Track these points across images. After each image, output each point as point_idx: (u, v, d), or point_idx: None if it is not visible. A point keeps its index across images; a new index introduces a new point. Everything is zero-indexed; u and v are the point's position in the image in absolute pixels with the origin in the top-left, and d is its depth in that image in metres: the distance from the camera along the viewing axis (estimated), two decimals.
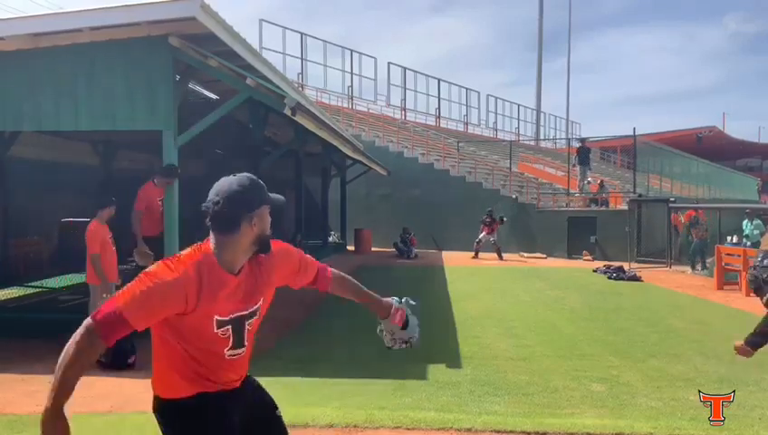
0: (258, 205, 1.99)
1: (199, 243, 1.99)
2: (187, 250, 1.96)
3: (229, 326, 1.93)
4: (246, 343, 2.04)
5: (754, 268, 3.29)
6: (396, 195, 21.39)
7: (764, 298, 3.22)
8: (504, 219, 17.97)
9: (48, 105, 7.01)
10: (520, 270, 14.72)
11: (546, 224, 19.03)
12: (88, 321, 1.74)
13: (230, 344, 1.96)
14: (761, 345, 3.34)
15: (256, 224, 1.97)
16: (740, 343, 3.17)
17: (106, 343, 1.75)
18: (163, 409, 2.00)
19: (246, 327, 2.01)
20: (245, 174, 2.03)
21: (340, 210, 19.53)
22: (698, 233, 14.59)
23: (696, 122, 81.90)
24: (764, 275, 3.19)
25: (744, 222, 15.20)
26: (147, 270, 1.86)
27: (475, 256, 17.42)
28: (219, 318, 1.90)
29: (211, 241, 1.96)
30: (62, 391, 1.72)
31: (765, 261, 3.23)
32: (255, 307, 2.03)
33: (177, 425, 2.00)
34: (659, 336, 7.14)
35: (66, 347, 1.73)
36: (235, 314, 1.94)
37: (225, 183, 1.98)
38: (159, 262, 1.91)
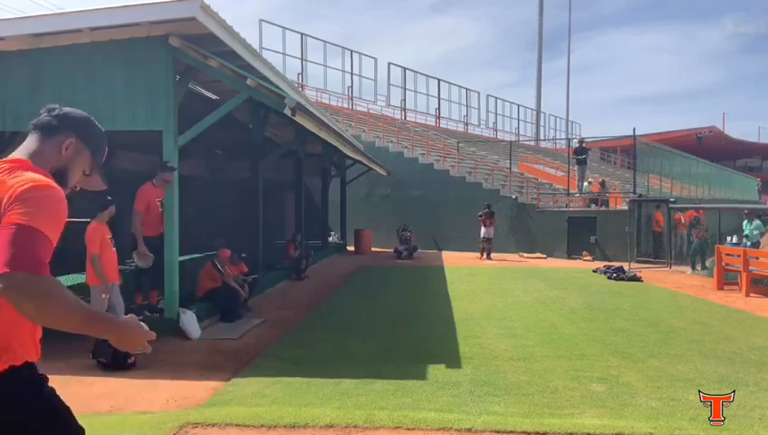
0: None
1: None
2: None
3: None
4: None
5: None
6: (396, 195, 21.40)
7: None
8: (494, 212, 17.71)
9: (48, 105, 7.01)
10: (520, 270, 14.71)
11: (546, 224, 19.02)
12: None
13: None
14: None
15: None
16: None
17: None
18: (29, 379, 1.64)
19: None
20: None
21: (340, 210, 19.54)
22: (698, 233, 14.60)
23: (696, 122, 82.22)
24: None
25: (744, 222, 15.20)
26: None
27: (482, 257, 17.24)
28: None
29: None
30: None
31: None
32: None
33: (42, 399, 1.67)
34: (659, 336, 7.14)
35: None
36: None
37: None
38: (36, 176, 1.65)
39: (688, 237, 15.52)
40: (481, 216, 17.51)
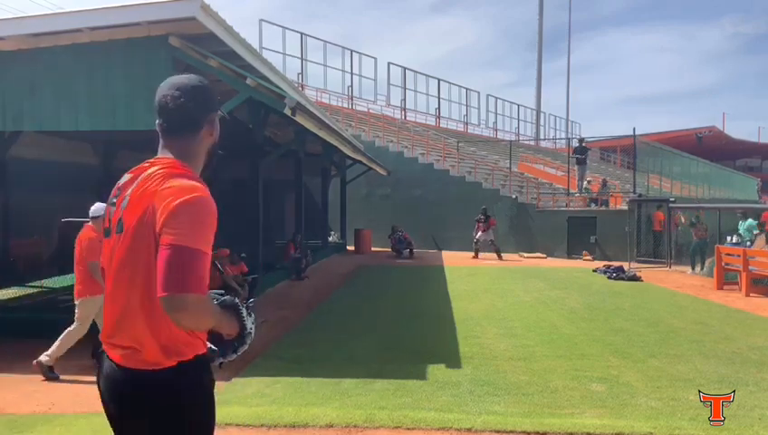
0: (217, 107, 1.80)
1: (165, 157, 1.70)
2: (171, 168, 1.65)
3: None
4: None
5: None
6: (396, 195, 21.40)
7: None
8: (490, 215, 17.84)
9: (48, 105, 7.02)
10: (520, 270, 14.71)
11: (546, 224, 19.03)
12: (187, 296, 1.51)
13: None
14: None
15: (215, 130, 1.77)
16: None
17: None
18: (190, 373, 1.66)
19: None
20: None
21: (340, 210, 19.54)
22: (698, 233, 14.59)
23: (696, 122, 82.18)
24: None
25: (740, 223, 15.20)
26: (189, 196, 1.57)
27: (476, 256, 17.46)
28: None
29: (167, 152, 1.71)
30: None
31: None
32: None
33: (203, 394, 1.71)
34: (659, 336, 7.14)
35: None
36: None
37: (183, 78, 1.77)
38: (191, 184, 1.63)
39: (687, 237, 15.51)
40: (479, 220, 17.63)
